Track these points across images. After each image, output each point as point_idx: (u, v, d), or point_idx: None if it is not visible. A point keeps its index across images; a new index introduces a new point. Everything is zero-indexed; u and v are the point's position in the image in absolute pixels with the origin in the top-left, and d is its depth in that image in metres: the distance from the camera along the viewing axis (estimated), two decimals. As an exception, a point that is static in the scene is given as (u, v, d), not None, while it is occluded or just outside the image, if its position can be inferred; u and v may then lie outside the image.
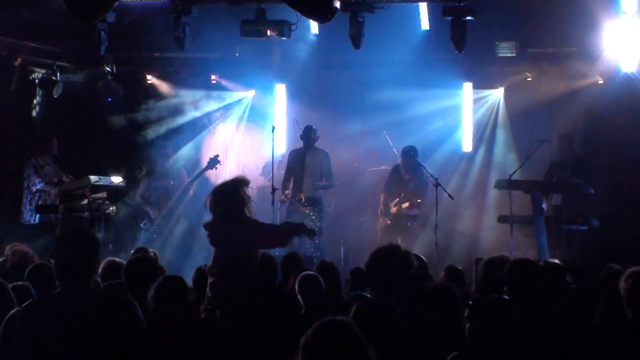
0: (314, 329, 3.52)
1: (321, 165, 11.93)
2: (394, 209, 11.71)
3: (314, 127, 12.06)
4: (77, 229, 4.50)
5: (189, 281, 6.99)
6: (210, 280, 6.61)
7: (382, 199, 12.03)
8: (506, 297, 4.73)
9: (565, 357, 4.93)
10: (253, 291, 6.42)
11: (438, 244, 10.72)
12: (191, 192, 12.04)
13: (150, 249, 8.96)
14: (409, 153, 11.65)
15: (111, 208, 11.47)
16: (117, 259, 7.43)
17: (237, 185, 6.82)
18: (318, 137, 12.06)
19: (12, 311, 4.91)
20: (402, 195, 11.72)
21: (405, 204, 11.63)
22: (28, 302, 4.60)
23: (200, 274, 6.96)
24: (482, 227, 12.64)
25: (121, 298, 4.63)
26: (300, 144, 12.24)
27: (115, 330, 4.32)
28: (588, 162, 11.44)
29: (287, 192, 11.93)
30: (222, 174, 12.46)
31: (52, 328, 4.31)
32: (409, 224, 11.64)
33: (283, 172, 12.25)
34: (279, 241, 6.90)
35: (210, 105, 13.84)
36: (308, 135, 11.99)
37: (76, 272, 4.42)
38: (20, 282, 5.95)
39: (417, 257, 6.32)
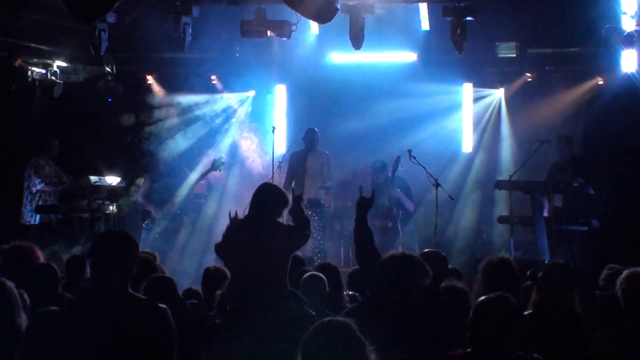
0: (314, 329, 3.52)
1: (322, 167, 11.97)
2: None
3: (316, 130, 12.10)
4: (113, 230, 4.48)
5: (191, 280, 7.01)
6: (228, 282, 6.52)
7: None
8: (508, 295, 4.74)
9: (565, 357, 4.94)
10: (284, 295, 6.36)
11: (438, 244, 10.72)
12: (193, 192, 12.05)
13: (150, 249, 8.99)
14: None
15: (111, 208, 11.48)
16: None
17: (281, 196, 6.75)
18: (320, 139, 12.10)
19: (44, 309, 4.87)
20: None
21: None
22: (64, 301, 4.56)
23: (209, 275, 6.95)
24: (482, 228, 12.64)
25: (156, 304, 4.56)
26: (301, 145, 12.27)
27: (146, 335, 4.32)
28: (588, 163, 11.44)
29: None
30: (225, 176, 12.48)
31: (84, 329, 4.31)
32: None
33: (284, 173, 12.29)
34: (308, 234, 6.80)
35: (211, 106, 13.83)
36: (310, 138, 12.03)
37: (115, 274, 4.41)
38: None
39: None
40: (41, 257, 6.60)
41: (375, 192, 6.59)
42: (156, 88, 13.63)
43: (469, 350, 4.49)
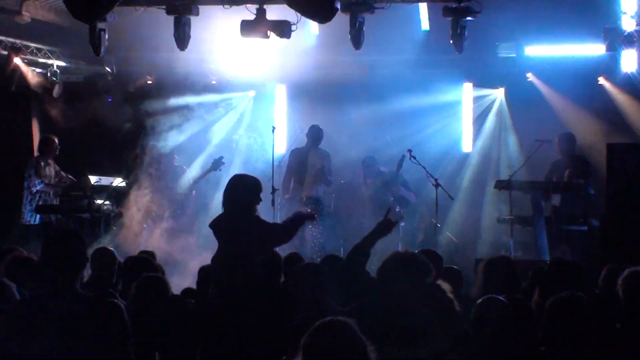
0: (315, 329, 3.52)
1: (322, 165, 11.98)
2: None
3: (321, 127, 12.11)
4: (65, 229, 4.45)
5: (192, 280, 7.01)
6: (213, 276, 6.60)
7: None
8: (501, 297, 4.75)
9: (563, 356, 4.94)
10: (254, 288, 6.40)
11: (438, 244, 10.72)
12: (193, 192, 12.03)
13: (150, 249, 8.99)
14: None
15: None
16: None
17: (254, 184, 6.82)
18: (322, 137, 12.14)
19: None
20: None
21: None
22: (14, 302, 4.56)
23: (205, 274, 6.96)
24: (482, 228, 12.64)
25: (107, 300, 4.55)
26: (302, 142, 12.29)
27: (100, 332, 4.29)
28: (588, 162, 11.44)
29: (286, 196, 12.01)
30: (225, 176, 12.46)
31: (38, 329, 4.28)
32: None
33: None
34: (287, 237, 6.87)
35: (211, 106, 13.83)
36: (314, 135, 12.05)
37: (63, 273, 4.39)
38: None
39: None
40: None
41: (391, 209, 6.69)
42: (155, 88, 13.63)
43: (542, 348, 4.48)
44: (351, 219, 12.44)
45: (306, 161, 12.03)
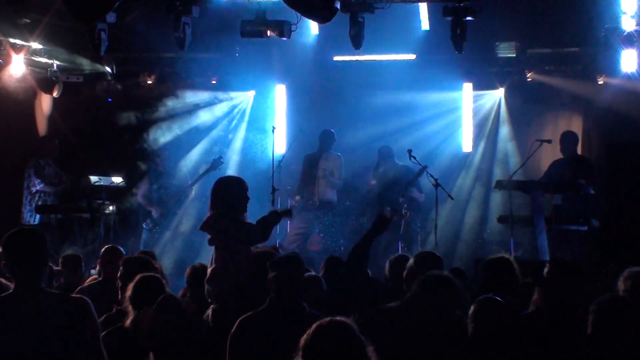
0: (314, 329, 3.52)
1: (333, 168, 12.02)
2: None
3: (332, 131, 12.12)
4: (21, 228, 4.46)
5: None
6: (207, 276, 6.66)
7: None
8: (499, 298, 4.75)
9: (566, 356, 4.94)
10: (242, 287, 6.42)
11: (438, 245, 10.71)
12: (192, 192, 12.03)
13: (150, 249, 8.99)
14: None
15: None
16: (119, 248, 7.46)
17: (238, 184, 6.86)
18: (335, 140, 12.18)
19: None
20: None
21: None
22: None
23: (194, 272, 6.98)
24: (482, 228, 12.64)
25: (73, 297, 4.59)
26: (302, 145, 12.30)
27: (68, 329, 4.29)
28: (589, 162, 11.44)
29: (297, 197, 12.03)
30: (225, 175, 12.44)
31: (4, 329, 4.28)
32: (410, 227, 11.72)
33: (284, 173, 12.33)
34: (260, 237, 6.91)
35: (211, 106, 13.82)
36: (325, 139, 12.09)
37: (26, 272, 4.39)
38: None
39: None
40: None
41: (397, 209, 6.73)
42: (155, 88, 13.62)
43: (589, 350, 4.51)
44: (350, 219, 12.44)
45: (317, 165, 12.06)
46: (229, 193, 6.82)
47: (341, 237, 12.25)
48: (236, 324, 5.18)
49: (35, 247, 4.47)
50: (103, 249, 7.58)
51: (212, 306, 6.55)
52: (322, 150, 12.18)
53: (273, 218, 6.96)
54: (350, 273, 6.12)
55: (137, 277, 5.73)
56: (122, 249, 7.48)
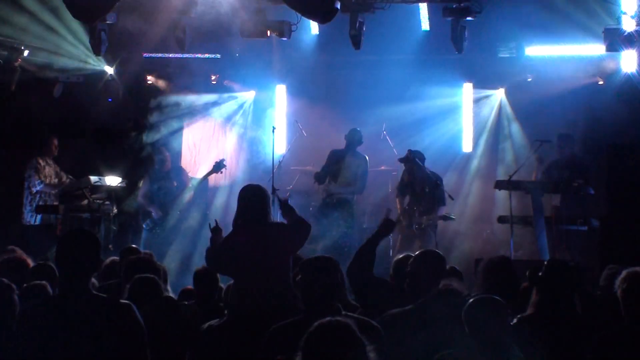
0: (314, 329, 3.52)
1: (357, 168, 11.92)
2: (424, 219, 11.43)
3: (358, 129, 12.04)
4: (78, 229, 4.41)
5: (191, 282, 6.99)
6: (232, 287, 6.48)
7: (398, 203, 11.85)
8: (497, 297, 4.74)
9: (566, 357, 4.94)
10: (290, 297, 6.22)
11: (438, 244, 10.72)
12: (192, 193, 12.01)
13: (150, 250, 8.98)
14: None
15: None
16: (118, 259, 7.43)
17: (263, 192, 6.78)
18: (361, 141, 12.03)
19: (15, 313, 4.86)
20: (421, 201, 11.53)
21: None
22: (29, 304, 4.56)
23: (199, 276, 6.93)
24: (482, 228, 12.64)
25: (120, 301, 4.56)
26: (302, 145, 12.29)
27: (114, 333, 4.29)
28: (587, 163, 11.44)
29: (316, 183, 12.04)
30: (226, 177, 12.49)
31: (52, 331, 4.27)
32: (429, 230, 11.44)
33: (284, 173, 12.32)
34: (308, 229, 6.74)
35: (211, 106, 13.83)
36: (350, 138, 12.00)
37: (78, 274, 4.37)
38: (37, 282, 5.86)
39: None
40: (31, 264, 6.63)
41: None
42: (156, 88, 13.63)
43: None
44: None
45: (342, 163, 11.99)
46: (257, 200, 6.70)
47: (347, 237, 12.18)
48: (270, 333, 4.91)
49: (86, 250, 4.43)
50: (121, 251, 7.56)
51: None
52: (348, 149, 12.09)
53: (290, 209, 6.81)
54: (355, 275, 6.10)
55: (133, 278, 5.74)
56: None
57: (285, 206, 6.79)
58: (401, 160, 11.58)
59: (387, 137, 12.99)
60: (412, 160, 11.34)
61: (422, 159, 11.45)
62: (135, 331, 4.37)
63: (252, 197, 6.68)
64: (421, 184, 11.32)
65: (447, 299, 5.18)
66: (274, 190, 11.27)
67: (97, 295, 4.45)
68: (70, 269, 4.39)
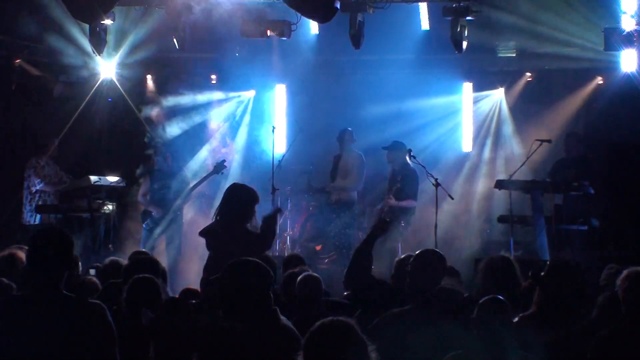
0: (315, 329, 3.52)
1: (350, 165, 11.99)
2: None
3: (348, 129, 12.08)
4: (49, 227, 4.31)
5: (190, 281, 7.00)
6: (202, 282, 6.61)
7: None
8: (501, 297, 4.75)
9: (567, 356, 4.94)
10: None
11: (438, 244, 10.71)
12: (192, 194, 12.00)
13: (150, 249, 8.98)
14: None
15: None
16: (119, 259, 7.42)
17: (252, 196, 6.87)
18: (354, 140, 12.08)
19: None
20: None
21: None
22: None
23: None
24: (482, 228, 12.64)
25: (90, 301, 4.46)
26: (302, 145, 12.31)
27: (82, 333, 4.22)
28: (593, 162, 11.43)
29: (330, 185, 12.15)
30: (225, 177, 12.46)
31: (16, 331, 4.21)
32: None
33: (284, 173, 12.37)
34: (267, 245, 6.95)
35: (210, 106, 13.82)
36: (340, 138, 12.08)
37: (47, 273, 4.30)
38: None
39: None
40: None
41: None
42: (155, 88, 13.63)
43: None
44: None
45: (339, 163, 12.07)
46: (241, 202, 6.82)
47: (346, 237, 12.18)
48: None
49: (56, 249, 4.35)
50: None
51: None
52: (342, 149, 12.15)
53: (271, 222, 6.96)
54: (353, 276, 6.11)
55: (132, 278, 5.72)
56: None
57: (271, 216, 6.94)
58: (384, 147, 11.65)
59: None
60: (388, 148, 11.48)
61: (403, 150, 11.50)
62: (104, 331, 4.29)
63: (233, 197, 6.83)
64: (395, 175, 11.44)
65: (447, 297, 5.18)
66: (273, 190, 11.28)
67: (67, 295, 4.35)
68: (39, 267, 4.31)
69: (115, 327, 4.36)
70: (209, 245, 6.90)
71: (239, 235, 6.73)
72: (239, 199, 6.87)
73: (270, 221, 6.92)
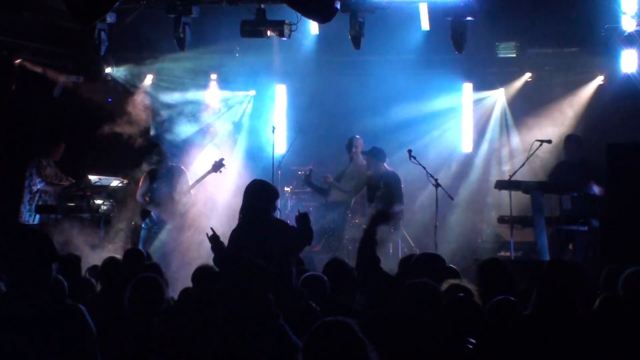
0: (316, 329, 3.52)
1: (354, 178, 12.02)
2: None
3: (356, 137, 12.13)
4: (29, 229, 4.19)
5: (189, 281, 6.98)
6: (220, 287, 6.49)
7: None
8: (512, 298, 4.76)
9: (567, 356, 4.94)
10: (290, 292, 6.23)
11: (438, 244, 10.71)
12: (192, 193, 11.99)
13: (150, 249, 8.97)
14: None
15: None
16: (118, 257, 7.43)
17: (272, 189, 6.84)
18: (355, 149, 12.09)
19: None
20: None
21: None
22: None
23: (201, 272, 6.91)
24: (482, 228, 12.64)
25: (67, 304, 4.38)
26: (302, 145, 12.33)
27: (61, 336, 4.17)
28: (596, 165, 11.38)
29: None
30: (225, 177, 12.46)
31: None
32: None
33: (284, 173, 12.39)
34: (308, 241, 6.81)
35: (211, 106, 13.82)
36: (348, 147, 12.08)
37: (27, 276, 4.23)
38: None
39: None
40: None
41: None
42: (155, 88, 13.63)
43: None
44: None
45: (344, 172, 12.14)
46: (262, 196, 6.76)
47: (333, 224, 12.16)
48: None
49: (35, 252, 4.28)
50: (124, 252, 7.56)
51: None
52: (350, 158, 12.24)
53: (305, 220, 6.85)
54: (363, 264, 6.12)
55: (136, 278, 5.71)
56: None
57: (305, 215, 6.78)
58: (363, 152, 11.72)
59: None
60: (368, 153, 11.53)
61: (381, 157, 11.50)
62: (83, 334, 4.24)
63: (254, 192, 6.77)
64: (376, 181, 11.43)
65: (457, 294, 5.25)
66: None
67: (45, 298, 4.27)
68: (18, 270, 4.25)
69: (115, 328, 4.36)
70: (235, 247, 6.65)
71: (277, 230, 6.63)
72: (265, 195, 6.78)
73: (306, 219, 6.81)
